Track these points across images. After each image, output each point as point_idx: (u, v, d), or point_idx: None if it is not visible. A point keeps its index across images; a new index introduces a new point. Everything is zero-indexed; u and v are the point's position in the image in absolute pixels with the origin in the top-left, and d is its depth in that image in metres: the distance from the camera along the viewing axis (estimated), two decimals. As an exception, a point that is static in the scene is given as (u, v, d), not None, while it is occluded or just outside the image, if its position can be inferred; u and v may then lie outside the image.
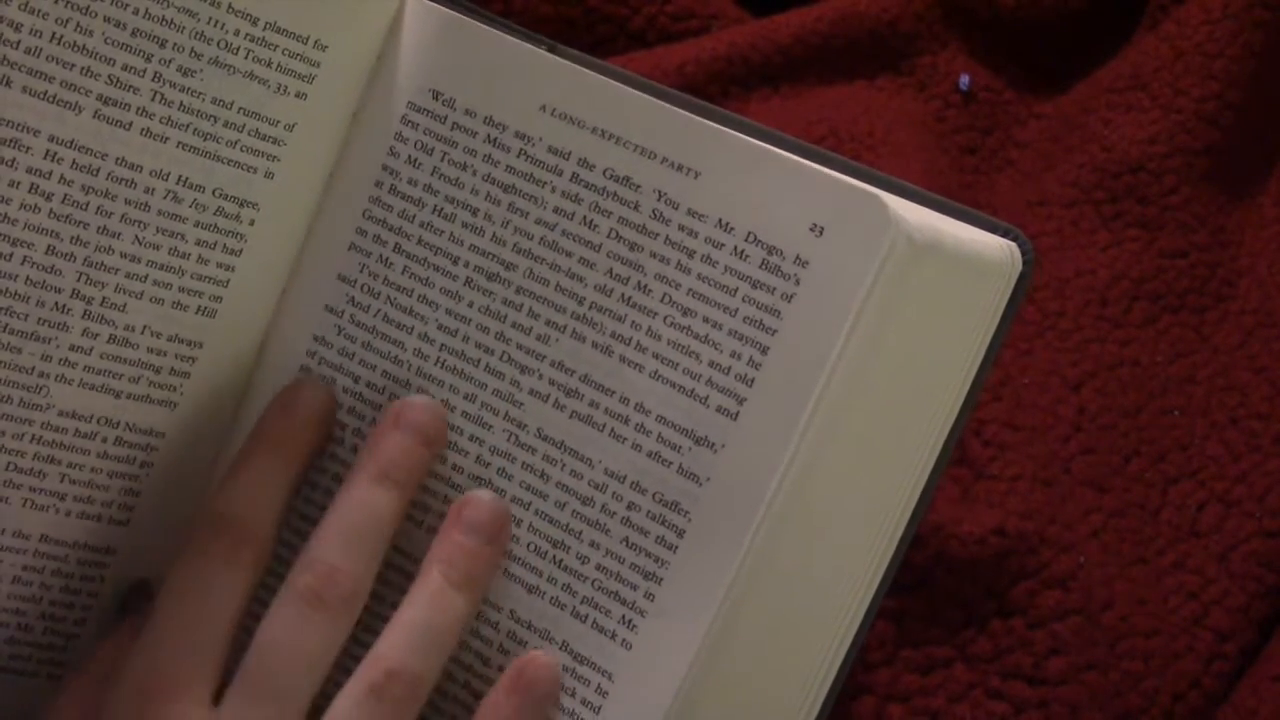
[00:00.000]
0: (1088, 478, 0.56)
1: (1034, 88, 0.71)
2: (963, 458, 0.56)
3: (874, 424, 0.40)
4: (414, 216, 0.44)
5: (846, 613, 0.43)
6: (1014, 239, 0.43)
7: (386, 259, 0.44)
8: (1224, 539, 0.56)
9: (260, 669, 0.40)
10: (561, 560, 0.41)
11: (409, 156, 0.44)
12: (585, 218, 0.42)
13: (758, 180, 0.39)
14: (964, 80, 0.69)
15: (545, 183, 0.42)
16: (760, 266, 0.39)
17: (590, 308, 0.41)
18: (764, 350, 0.39)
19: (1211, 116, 0.64)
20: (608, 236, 0.41)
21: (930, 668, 0.53)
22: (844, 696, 0.52)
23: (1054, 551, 0.54)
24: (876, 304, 0.38)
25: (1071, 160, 0.65)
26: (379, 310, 0.44)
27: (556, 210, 0.42)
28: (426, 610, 0.41)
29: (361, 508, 0.42)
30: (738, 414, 0.39)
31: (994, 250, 0.42)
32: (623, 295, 0.41)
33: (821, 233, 0.38)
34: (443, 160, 0.44)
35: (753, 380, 0.39)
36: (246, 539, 0.42)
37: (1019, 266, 0.43)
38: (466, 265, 0.43)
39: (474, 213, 0.43)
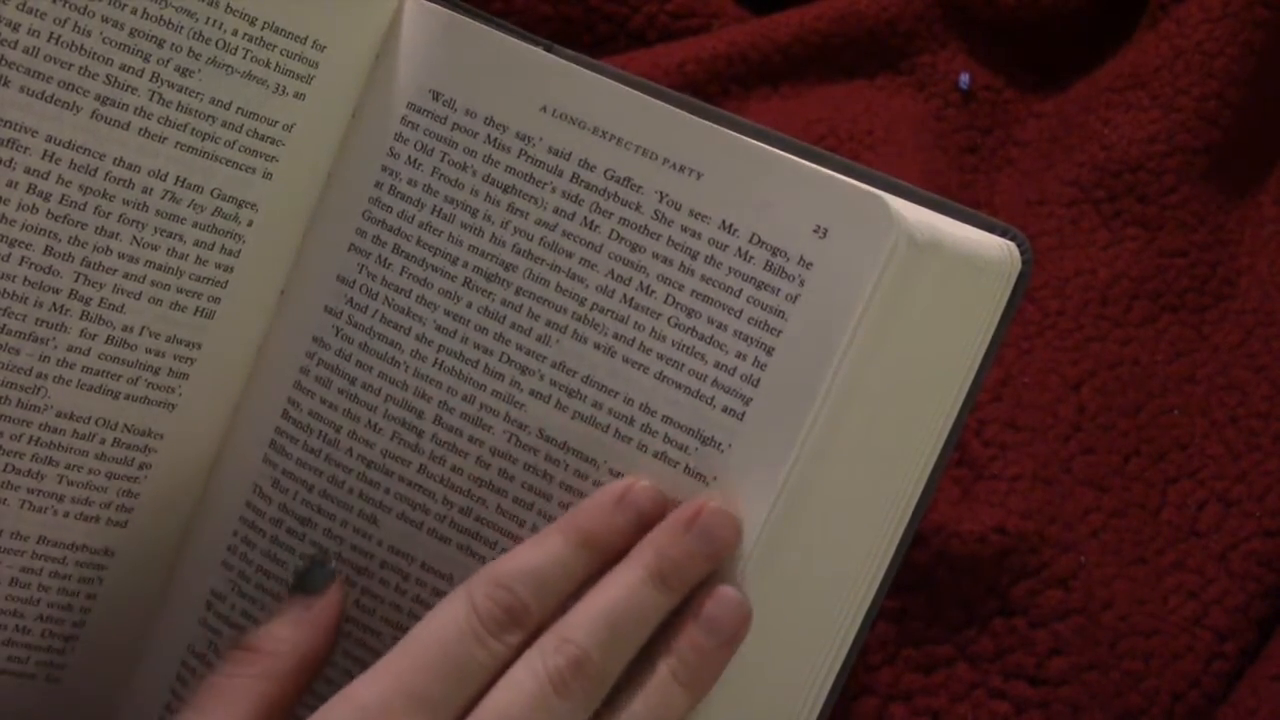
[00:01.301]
0: (1088, 477, 0.56)
1: (1034, 87, 0.71)
2: (963, 457, 0.56)
3: (875, 423, 0.40)
4: (413, 217, 0.44)
5: (848, 612, 0.43)
6: (1013, 238, 0.43)
7: (385, 260, 0.44)
8: (1224, 538, 0.56)
9: None
10: None
11: (409, 157, 0.44)
12: (586, 218, 0.41)
13: (761, 182, 0.39)
14: (964, 79, 0.69)
15: (545, 183, 0.42)
16: (764, 268, 0.39)
17: (592, 309, 0.41)
18: (769, 351, 0.39)
19: (1211, 116, 0.64)
20: (609, 237, 0.41)
21: (932, 667, 0.53)
22: (846, 696, 0.52)
23: (1055, 551, 0.54)
24: (877, 305, 0.38)
25: (1071, 159, 0.65)
26: (376, 311, 0.44)
27: (557, 211, 0.42)
28: (649, 706, 0.38)
29: (632, 604, 0.38)
30: (744, 414, 0.39)
31: (993, 250, 0.42)
32: (625, 296, 0.41)
33: (825, 234, 0.38)
34: (443, 160, 0.43)
35: (758, 381, 0.39)
36: (521, 624, 0.38)
37: (1018, 266, 0.43)
38: (465, 266, 0.43)
39: (473, 213, 0.43)
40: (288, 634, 0.41)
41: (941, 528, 0.53)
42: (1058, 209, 0.64)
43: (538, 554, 0.39)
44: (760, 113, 0.67)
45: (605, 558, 0.39)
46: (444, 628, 0.38)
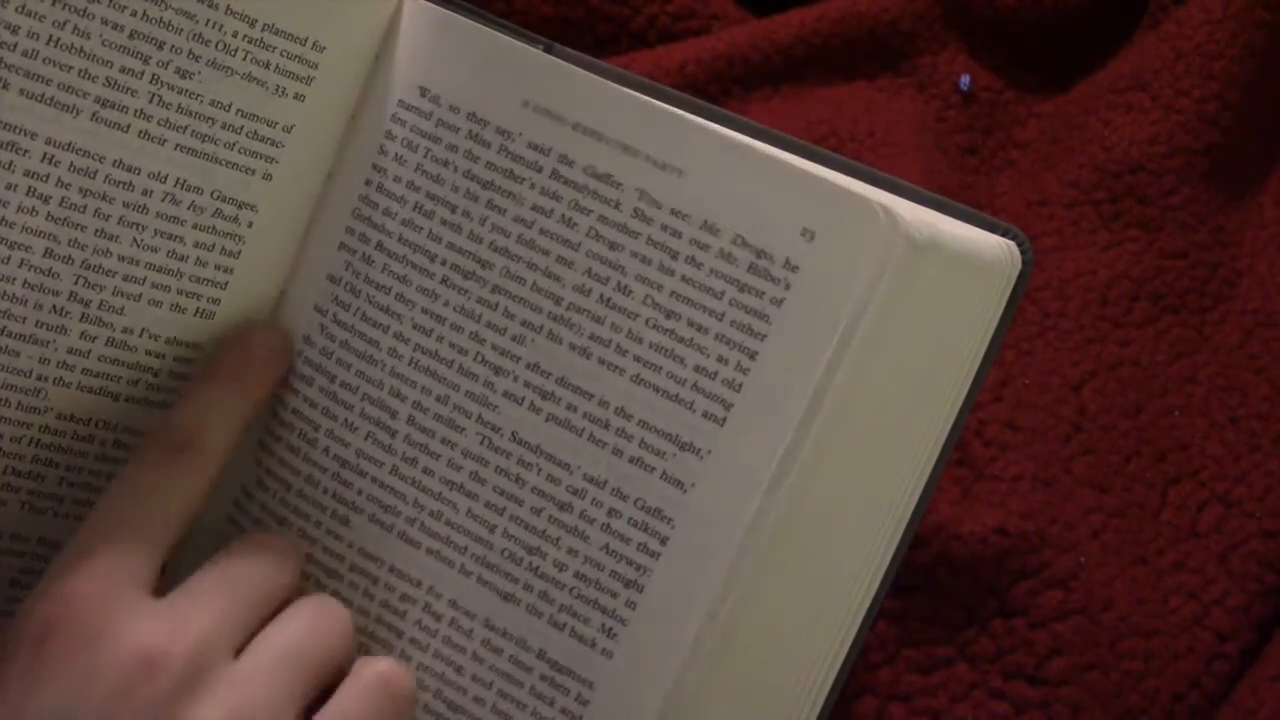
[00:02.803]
0: (1088, 478, 0.56)
1: (1034, 88, 0.71)
2: (963, 458, 0.56)
3: (873, 425, 0.40)
4: (396, 214, 0.43)
5: (848, 614, 0.42)
6: (1013, 238, 0.43)
7: (369, 257, 0.44)
8: (1224, 539, 0.56)
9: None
10: (538, 567, 0.41)
11: (396, 154, 0.44)
12: (564, 215, 0.41)
13: (745, 180, 0.39)
14: (964, 80, 0.69)
15: (524, 179, 0.41)
16: (748, 270, 0.39)
17: (568, 308, 0.41)
18: (752, 355, 0.38)
19: (1212, 117, 0.64)
20: (587, 235, 0.41)
21: (932, 667, 0.53)
22: (846, 696, 0.52)
23: (1055, 551, 0.54)
24: (875, 306, 0.38)
25: (1072, 160, 0.65)
26: (359, 309, 0.44)
27: (535, 208, 0.41)
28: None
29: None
30: (725, 419, 0.39)
31: (993, 250, 0.42)
32: (601, 296, 0.40)
33: (812, 237, 0.38)
34: (426, 157, 0.43)
35: (740, 385, 0.39)
36: (193, 448, 0.42)
37: (1018, 266, 0.43)
38: (444, 263, 0.42)
39: (453, 210, 0.42)
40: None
41: (942, 528, 0.53)
42: (1058, 210, 0.64)
43: (185, 399, 0.44)
44: (761, 114, 0.67)
45: (247, 385, 0.44)
46: (124, 475, 0.42)
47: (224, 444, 0.43)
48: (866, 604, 0.43)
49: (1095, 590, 0.53)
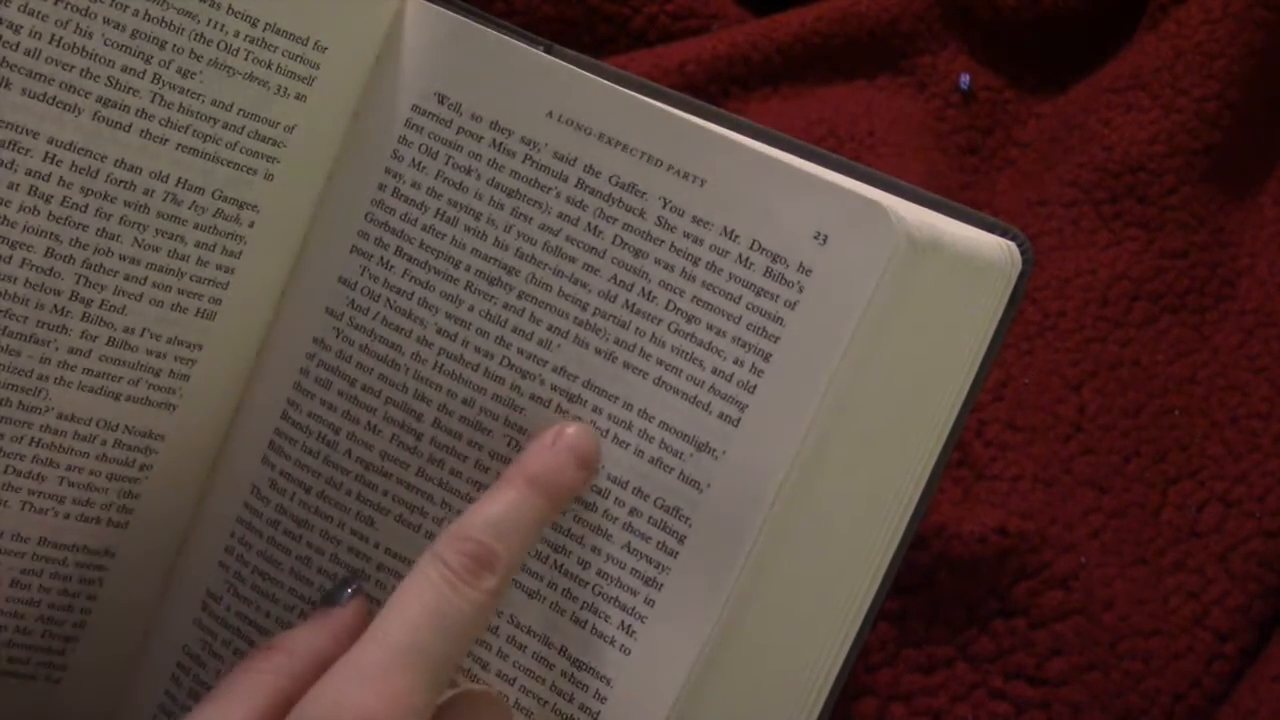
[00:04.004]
0: (1088, 478, 0.56)
1: (1034, 88, 0.71)
2: (964, 458, 0.56)
3: (875, 425, 0.40)
4: (416, 220, 0.44)
5: (848, 614, 0.43)
6: (1013, 238, 0.43)
7: (388, 262, 0.44)
8: (1224, 539, 0.56)
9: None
10: (562, 565, 0.41)
11: (413, 159, 0.44)
12: (590, 224, 0.41)
13: (762, 188, 0.39)
14: (964, 80, 0.69)
15: (550, 188, 0.42)
16: (764, 274, 0.39)
17: (594, 314, 0.41)
18: (767, 358, 0.39)
19: (1212, 116, 0.64)
20: (612, 243, 0.41)
21: (932, 668, 0.53)
22: (846, 696, 0.52)
23: (1055, 551, 0.54)
24: (878, 306, 0.38)
25: (1072, 160, 0.65)
26: (378, 313, 0.44)
27: (561, 216, 0.42)
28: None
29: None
30: (740, 420, 0.39)
31: (993, 250, 0.42)
32: (627, 302, 0.41)
33: (825, 241, 0.38)
34: (447, 164, 0.43)
35: (755, 387, 0.39)
36: (493, 568, 0.40)
37: (1018, 266, 0.43)
38: (468, 269, 0.43)
39: (477, 217, 0.43)
40: (307, 637, 0.42)
41: (942, 528, 0.53)
42: (1058, 209, 0.64)
43: (493, 504, 0.40)
44: (761, 113, 0.67)
45: (553, 497, 0.41)
46: (420, 589, 0.39)
47: (520, 562, 0.41)
48: (867, 604, 0.43)
49: (1095, 590, 0.53)
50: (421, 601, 0.39)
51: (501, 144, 0.43)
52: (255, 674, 0.41)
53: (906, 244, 0.38)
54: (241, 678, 0.41)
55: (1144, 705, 0.52)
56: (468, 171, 0.43)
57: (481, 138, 0.43)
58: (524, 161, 0.42)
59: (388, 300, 0.44)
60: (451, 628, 0.39)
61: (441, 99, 0.44)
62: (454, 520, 0.41)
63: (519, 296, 0.42)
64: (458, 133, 0.43)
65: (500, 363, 0.42)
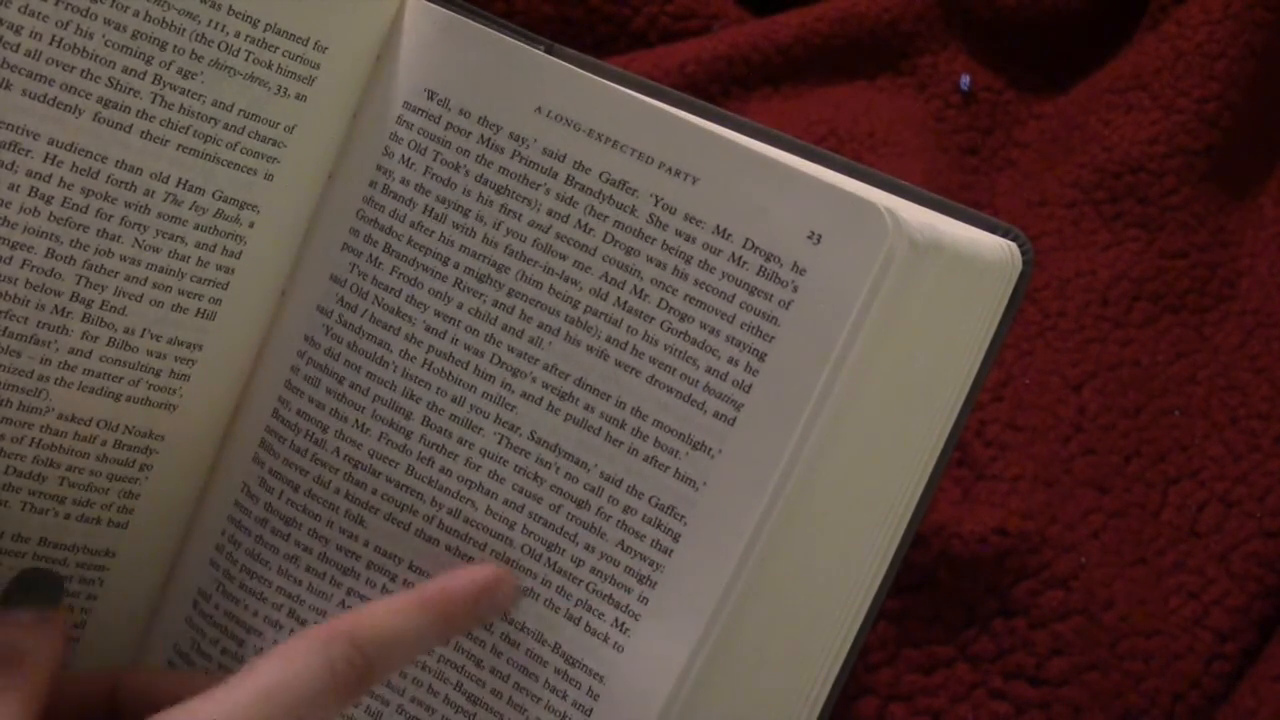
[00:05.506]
0: (1088, 478, 0.56)
1: (1034, 88, 0.71)
2: (964, 458, 0.56)
3: (875, 425, 0.40)
4: (404, 216, 0.43)
5: (848, 613, 0.43)
6: (1014, 239, 0.43)
7: (376, 259, 0.44)
8: (1224, 539, 0.56)
9: None
10: (556, 563, 0.41)
11: (402, 156, 0.44)
12: (580, 221, 0.41)
13: (755, 187, 0.39)
14: (964, 80, 0.69)
15: (539, 185, 0.42)
16: (758, 273, 0.39)
17: (585, 311, 0.41)
18: (761, 357, 0.39)
19: (1212, 117, 0.64)
20: (603, 240, 0.41)
21: (932, 667, 0.53)
22: (846, 696, 0.52)
23: (1055, 551, 0.54)
24: (877, 307, 0.38)
25: (1072, 160, 0.65)
26: (366, 311, 0.44)
27: (550, 213, 0.42)
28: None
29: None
30: (735, 420, 0.39)
31: (994, 250, 0.42)
32: (618, 300, 0.41)
33: (819, 241, 0.38)
34: (435, 160, 0.43)
35: (750, 386, 0.39)
36: (368, 684, 0.39)
37: (1019, 266, 0.43)
38: (457, 266, 0.43)
39: (466, 213, 0.43)
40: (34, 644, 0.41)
41: (942, 528, 0.53)
42: (1058, 210, 0.64)
43: (398, 622, 0.40)
44: (761, 113, 0.67)
45: (452, 634, 0.42)
46: (301, 683, 0.38)
47: (392, 675, 0.42)
48: (867, 604, 0.43)
49: (1095, 590, 0.53)
50: (296, 688, 0.38)
51: (490, 140, 0.42)
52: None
53: (905, 246, 0.38)
54: None
55: (1144, 705, 0.52)
56: (456, 168, 0.43)
57: (470, 133, 0.43)
58: (513, 157, 0.42)
59: (376, 298, 0.44)
60: None
61: (431, 95, 0.43)
62: (358, 609, 0.40)
63: (509, 294, 0.42)
64: (446, 129, 0.43)
65: (491, 360, 0.42)
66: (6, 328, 0.42)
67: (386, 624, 0.40)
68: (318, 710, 0.38)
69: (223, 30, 0.42)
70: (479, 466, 0.42)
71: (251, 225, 0.44)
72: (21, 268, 0.41)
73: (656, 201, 0.40)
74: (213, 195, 0.43)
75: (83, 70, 0.41)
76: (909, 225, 0.38)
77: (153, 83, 0.42)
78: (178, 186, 0.43)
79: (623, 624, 0.40)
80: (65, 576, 0.45)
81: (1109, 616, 0.53)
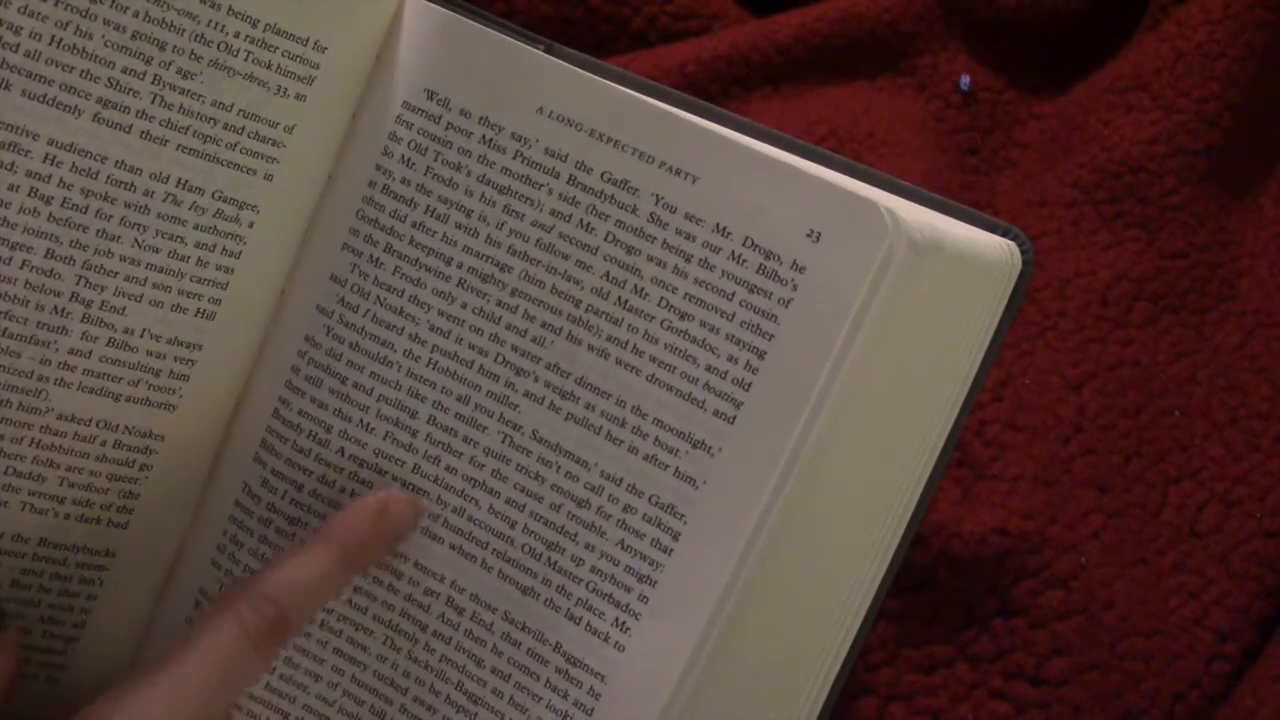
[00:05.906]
0: (1088, 478, 0.56)
1: (1034, 88, 0.71)
2: (964, 458, 0.56)
3: (874, 424, 0.40)
4: (406, 217, 0.44)
5: (848, 613, 0.43)
6: (1014, 238, 0.43)
7: (377, 259, 0.44)
8: (1224, 539, 0.56)
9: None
10: (556, 562, 0.41)
11: (402, 156, 0.44)
12: (582, 220, 0.41)
13: (755, 185, 0.39)
14: (964, 81, 0.69)
15: (541, 185, 0.42)
16: (757, 272, 0.39)
17: (587, 310, 0.41)
18: (761, 355, 0.39)
19: (1212, 117, 0.64)
20: (605, 239, 0.41)
21: (932, 667, 0.53)
22: (846, 696, 0.52)
23: (1055, 551, 0.54)
24: (877, 306, 0.38)
25: (1072, 160, 0.65)
26: (369, 311, 0.44)
27: (553, 212, 0.42)
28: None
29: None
30: (734, 418, 0.39)
31: (994, 250, 0.42)
32: (619, 298, 0.41)
33: (818, 239, 0.38)
34: (436, 160, 0.43)
35: (749, 384, 0.39)
36: (286, 635, 0.41)
37: (1019, 266, 0.43)
38: (460, 266, 0.43)
39: (468, 214, 0.43)
40: None
41: (942, 528, 0.53)
42: (1058, 210, 0.64)
43: (302, 566, 0.41)
44: (761, 113, 0.67)
45: (357, 569, 0.43)
46: (218, 647, 0.39)
47: (309, 623, 0.43)
48: (867, 603, 0.43)
49: (1095, 590, 0.53)
50: (213, 660, 0.39)
51: (491, 140, 0.43)
52: None
53: (905, 246, 0.38)
54: None
55: (1144, 705, 0.52)
56: (457, 168, 0.43)
57: (471, 134, 0.43)
58: (514, 158, 0.42)
59: (378, 298, 0.44)
60: (235, 687, 0.40)
61: (431, 95, 0.44)
62: (261, 570, 0.41)
63: (512, 293, 0.42)
64: (446, 129, 0.43)
65: (494, 360, 0.42)
66: (6, 328, 0.42)
67: (287, 568, 0.41)
68: (242, 667, 0.39)
69: (222, 30, 0.42)
70: (483, 465, 0.42)
71: (251, 225, 0.44)
72: (21, 268, 0.41)
73: (657, 201, 0.40)
74: (212, 195, 0.43)
75: (82, 70, 0.41)
76: (908, 224, 0.38)
77: (152, 83, 0.42)
78: (177, 186, 0.43)
79: (623, 623, 0.40)
80: (65, 577, 0.45)
81: (1109, 616, 0.53)
